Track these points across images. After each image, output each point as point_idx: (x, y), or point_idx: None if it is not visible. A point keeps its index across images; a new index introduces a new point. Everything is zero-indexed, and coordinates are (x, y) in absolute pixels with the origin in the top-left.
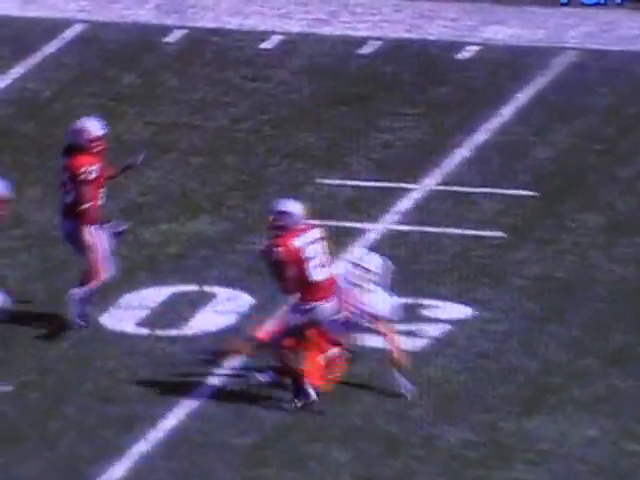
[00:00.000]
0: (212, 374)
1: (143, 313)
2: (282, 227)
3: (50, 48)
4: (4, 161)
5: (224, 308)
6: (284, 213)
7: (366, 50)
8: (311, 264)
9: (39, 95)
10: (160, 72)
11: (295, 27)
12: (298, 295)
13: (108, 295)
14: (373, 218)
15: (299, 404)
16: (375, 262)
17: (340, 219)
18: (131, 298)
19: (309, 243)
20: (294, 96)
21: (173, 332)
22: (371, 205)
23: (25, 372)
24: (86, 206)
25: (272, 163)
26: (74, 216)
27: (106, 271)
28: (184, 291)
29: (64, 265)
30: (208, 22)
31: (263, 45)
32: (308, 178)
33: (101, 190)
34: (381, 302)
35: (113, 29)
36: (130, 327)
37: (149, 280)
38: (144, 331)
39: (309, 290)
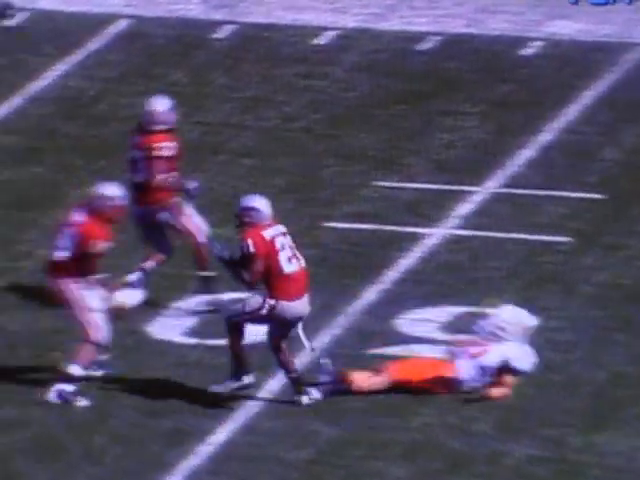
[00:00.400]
0: (264, 386)
1: (191, 322)
2: (249, 223)
3: (94, 44)
4: (47, 162)
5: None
6: (251, 209)
7: (425, 46)
8: (282, 256)
9: (83, 93)
10: (209, 69)
11: (350, 22)
12: (265, 290)
13: (155, 303)
14: (433, 222)
15: (234, 385)
16: (518, 316)
17: (398, 223)
18: (179, 306)
19: (277, 235)
20: (350, 94)
21: (223, 342)
22: (431, 208)
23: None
24: (158, 182)
25: (327, 164)
26: (144, 197)
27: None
28: (234, 299)
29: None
30: (259, 17)
31: (317, 41)
32: (365, 180)
33: (174, 173)
34: (522, 356)
35: (160, 25)
36: (178, 337)
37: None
38: (192, 341)
39: (280, 284)
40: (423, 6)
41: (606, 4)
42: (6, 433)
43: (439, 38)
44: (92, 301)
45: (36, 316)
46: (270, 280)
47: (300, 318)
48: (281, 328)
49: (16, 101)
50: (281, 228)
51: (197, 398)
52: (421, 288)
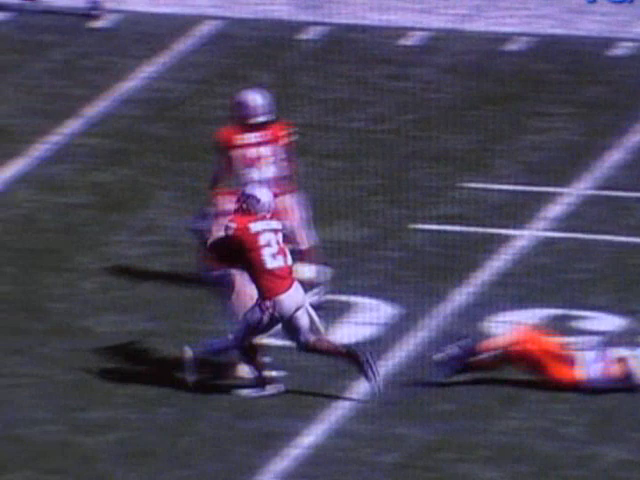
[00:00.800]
0: (352, 388)
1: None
2: (246, 210)
3: (182, 46)
4: (135, 164)
5: (364, 319)
6: (251, 197)
7: (513, 47)
8: (265, 251)
9: (170, 95)
10: (296, 71)
11: (438, 23)
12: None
13: None
14: (521, 224)
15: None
16: None
17: (487, 225)
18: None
19: (266, 230)
20: (437, 95)
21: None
22: (519, 210)
23: (157, 385)
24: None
25: (414, 166)
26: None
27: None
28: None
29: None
30: (346, 18)
31: (404, 42)
32: (453, 182)
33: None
34: None
35: (247, 26)
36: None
37: None
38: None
39: (265, 280)
40: (511, 7)
41: None
42: (96, 435)
43: (527, 39)
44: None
45: (124, 318)
46: (256, 278)
47: (298, 308)
48: (269, 327)
49: (104, 103)
50: (274, 224)
51: (285, 400)
52: (510, 291)
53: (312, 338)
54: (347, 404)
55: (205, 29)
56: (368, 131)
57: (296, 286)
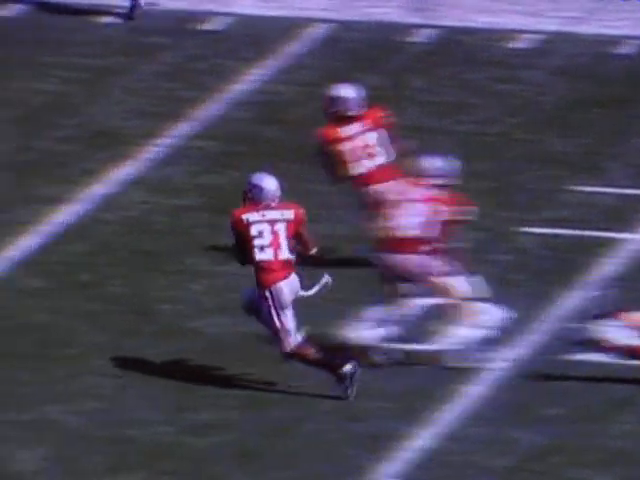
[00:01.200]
0: (463, 391)
1: (388, 326)
2: (250, 199)
3: (292, 49)
4: (246, 166)
5: (474, 322)
6: (256, 186)
7: (624, 50)
8: (255, 242)
9: (280, 98)
10: (404, 73)
11: (548, 26)
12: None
13: (354, 305)
14: (633, 227)
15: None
16: None
17: (597, 229)
18: (375, 310)
19: (260, 221)
20: (547, 98)
21: (419, 346)
22: (631, 214)
23: (266, 387)
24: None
25: (524, 169)
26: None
27: None
28: (431, 304)
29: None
30: (454, 20)
31: (512, 44)
32: (562, 185)
33: None
34: None
35: (357, 28)
36: (374, 341)
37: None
38: (391, 345)
39: (256, 271)
40: (622, 9)
41: None
42: (206, 436)
43: (638, 42)
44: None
45: (234, 320)
46: (252, 267)
47: (295, 294)
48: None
49: (216, 106)
50: (275, 214)
51: (395, 403)
52: (624, 294)
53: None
54: (458, 407)
55: (315, 32)
56: (476, 134)
57: (289, 280)
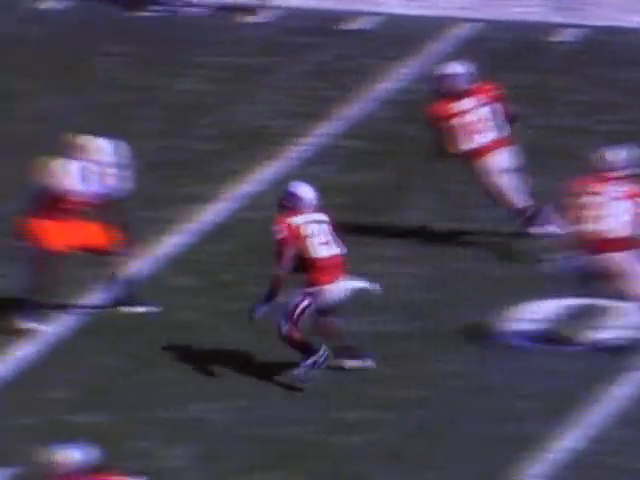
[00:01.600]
0: (611, 392)
1: (536, 326)
2: (286, 207)
3: (437, 48)
4: (390, 166)
5: (616, 323)
6: (292, 195)
7: None
8: (312, 241)
9: (424, 97)
10: (550, 73)
11: None
12: (303, 278)
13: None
14: None
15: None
16: None
17: None
18: (526, 310)
19: (311, 222)
20: None
21: (564, 348)
22: None
23: (418, 388)
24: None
25: None
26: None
27: None
28: (574, 305)
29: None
30: (600, 20)
31: None
32: None
33: None
34: None
35: (501, 28)
36: (525, 341)
37: (542, 293)
38: (537, 346)
39: (312, 269)
40: None
41: None
42: (350, 435)
43: None
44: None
45: (375, 319)
46: (304, 267)
47: (337, 301)
48: (307, 313)
49: (361, 105)
50: (317, 216)
51: (541, 403)
52: None
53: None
54: (604, 408)
55: (459, 31)
56: (621, 133)
57: (341, 279)
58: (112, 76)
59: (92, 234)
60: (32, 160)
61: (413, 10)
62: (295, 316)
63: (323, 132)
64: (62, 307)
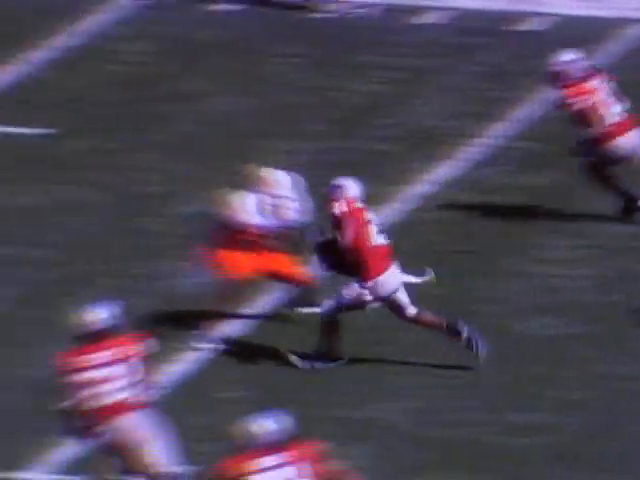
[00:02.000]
0: None
1: None
2: (335, 199)
3: (610, 49)
4: (565, 167)
5: None
6: (337, 187)
7: None
8: (371, 228)
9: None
10: None
11: None
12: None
13: None
14: None
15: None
16: None
17: None
18: None
19: (366, 209)
20: None
21: None
22: None
23: (577, 389)
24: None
25: None
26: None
27: None
28: None
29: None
30: None
31: None
32: None
33: None
34: None
35: None
36: None
37: None
38: None
39: (369, 257)
40: None
41: None
42: (526, 437)
43: None
44: None
45: (550, 321)
46: (360, 256)
47: (395, 290)
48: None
49: (533, 106)
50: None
51: None
52: None
53: (414, 312)
54: None
55: (633, 32)
56: None
57: (394, 267)
58: (286, 78)
59: (277, 262)
60: (208, 161)
61: (586, 11)
62: (344, 311)
63: (496, 133)
64: (240, 307)
